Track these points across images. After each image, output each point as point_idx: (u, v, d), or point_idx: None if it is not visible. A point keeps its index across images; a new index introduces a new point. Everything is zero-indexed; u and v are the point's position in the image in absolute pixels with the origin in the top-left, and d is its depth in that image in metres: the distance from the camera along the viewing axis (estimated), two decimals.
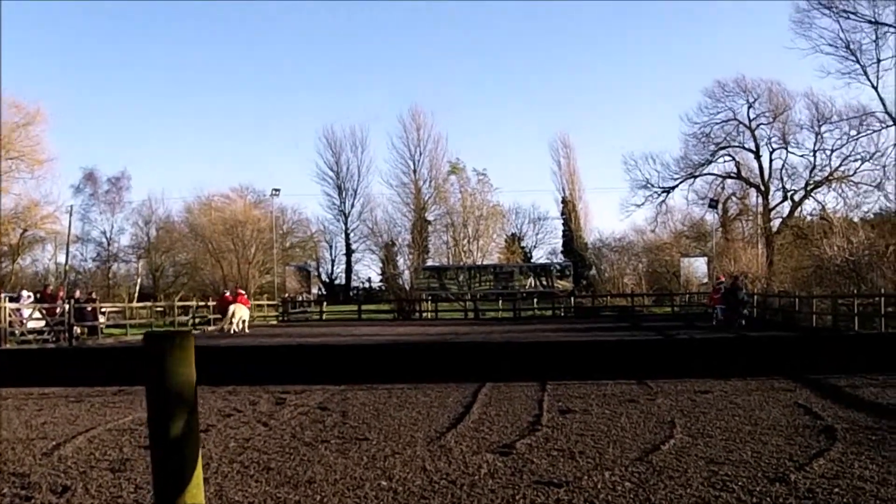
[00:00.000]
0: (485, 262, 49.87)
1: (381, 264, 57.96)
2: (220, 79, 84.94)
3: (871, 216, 42.47)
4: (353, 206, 61.70)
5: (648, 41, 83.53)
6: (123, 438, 7.11)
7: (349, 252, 62.27)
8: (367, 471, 5.64)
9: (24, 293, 26.90)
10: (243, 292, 32.37)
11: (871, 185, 43.97)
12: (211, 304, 34.52)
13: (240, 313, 28.96)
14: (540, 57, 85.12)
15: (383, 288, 56.88)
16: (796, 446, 6.15)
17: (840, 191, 46.08)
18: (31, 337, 23.21)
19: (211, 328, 31.11)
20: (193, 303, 36.32)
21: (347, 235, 61.92)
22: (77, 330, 24.40)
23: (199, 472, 2.58)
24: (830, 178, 45.85)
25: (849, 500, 4.59)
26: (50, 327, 24.19)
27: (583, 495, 4.84)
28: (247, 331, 28.97)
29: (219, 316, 31.46)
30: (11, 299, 25.04)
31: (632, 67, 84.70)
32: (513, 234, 60.99)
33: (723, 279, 31.10)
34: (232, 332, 28.09)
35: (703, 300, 35.80)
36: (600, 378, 9.54)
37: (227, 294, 31.72)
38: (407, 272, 52.64)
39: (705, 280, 42.92)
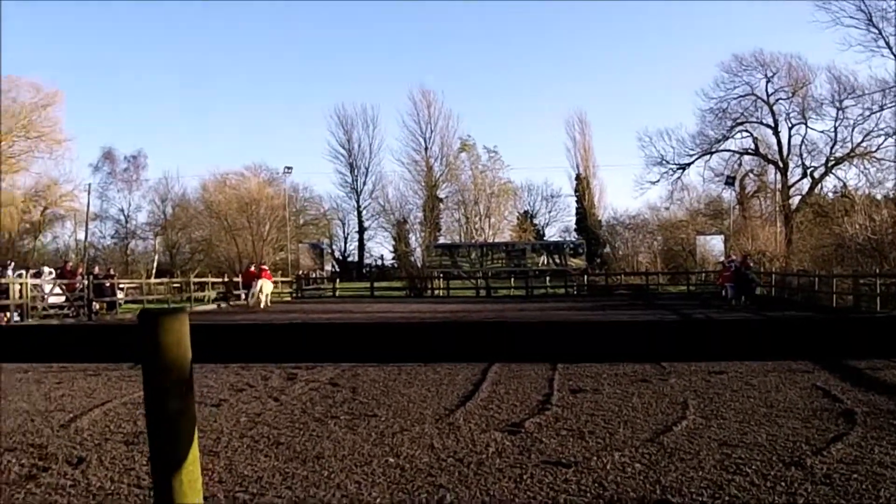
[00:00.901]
0: (497, 240, 49.70)
1: (393, 242, 58.05)
2: (235, 58, 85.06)
3: (894, 193, 41.82)
4: (364, 183, 61.94)
5: (665, 15, 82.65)
6: (138, 412, 7.12)
7: (361, 229, 62.44)
8: (375, 447, 5.61)
9: (45, 269, 27.42)
10: (266, 268, 33.18)
11: (893, 162, 43.24)
12: (230, 280, 35.46)
13: (266, 288, 30.11)
14: (552, 33, 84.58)
15: (396, 265, 56.96)
16: (813, 430, 6.03)
17: (862, 167, 45.48)
18: (52, 312, 23.57)
19: (240, 301, 32.07)
20: (209, 279, 36.55)
21: (360, 213, 62.14)
22: (96, 305, 24.68)
23: (195, 449, 2.55)
24: (852, 154, 45.19)
25: (868, 486, 4.48)
26: (70, 302, 24.54)
27: (591, 476, 4.77)
28: (268, 305, 29.65)
29: (241, 292, 32.59)
30: (33, 275, 25.45)
31: (647, 42, 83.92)
32: (525, 212, 60.82)
33: (733, 258, 30.92)
34: (258, 305, 29.05)
35: (716, 279, 35.51)
36: (616, 361, 9.44)
37: (252, 269, 32.43)
38: (419, 250, 52.60)
39: (722, 258, 42.62)
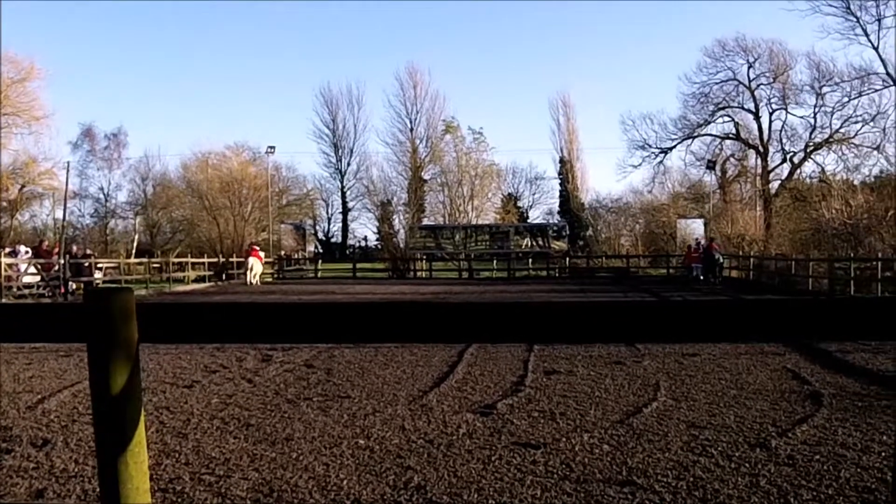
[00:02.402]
0: (480, 222, 49.53)
1: (377, 223, 57.92)
2: (217, 36, 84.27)
3: (871, 179, 42.31)
4: (349, 164, 62.07)
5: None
6: None
7: (345, 210, 62.49)
8: (346, 429, 5.61)
9: (21, 248, 26.89)
10: (257, 248, 34.54)
11: (871, 147, 43.76)
12: (225, 260, 36.86)
13: (256, 268, 31.87)
14: (538, 15, 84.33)
15: (379, 247, 56.80)
16: (781, 411, 6.09)
17: (840, 153, 45.89)
18: (26, 292, 23.18)
19: (234, 281, 34.10)
20: (189, 259, 36.35)
21: (344, 194, 62.18)
22: (73, 285, 24.36)
23: (141, 430, 2.51)
24: (830, 139, 45.58)
25: (829, 467, 4.53)
26: (45, 282, 24.16)
27: (559, 457, 4.80)
28: (255, 283, 31.35)
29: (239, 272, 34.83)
30: (8, 254, 25.06)
31: (631, 27, 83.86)
32: (509, 194, 60.80)
33: (702, 241, 32.77)
34: (250, 283, 31.11)
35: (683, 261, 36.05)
36: (590, 342, 9.48)
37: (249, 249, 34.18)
38: (403, 231, 52.41)
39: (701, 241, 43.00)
